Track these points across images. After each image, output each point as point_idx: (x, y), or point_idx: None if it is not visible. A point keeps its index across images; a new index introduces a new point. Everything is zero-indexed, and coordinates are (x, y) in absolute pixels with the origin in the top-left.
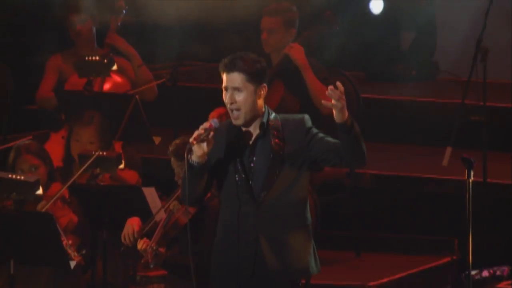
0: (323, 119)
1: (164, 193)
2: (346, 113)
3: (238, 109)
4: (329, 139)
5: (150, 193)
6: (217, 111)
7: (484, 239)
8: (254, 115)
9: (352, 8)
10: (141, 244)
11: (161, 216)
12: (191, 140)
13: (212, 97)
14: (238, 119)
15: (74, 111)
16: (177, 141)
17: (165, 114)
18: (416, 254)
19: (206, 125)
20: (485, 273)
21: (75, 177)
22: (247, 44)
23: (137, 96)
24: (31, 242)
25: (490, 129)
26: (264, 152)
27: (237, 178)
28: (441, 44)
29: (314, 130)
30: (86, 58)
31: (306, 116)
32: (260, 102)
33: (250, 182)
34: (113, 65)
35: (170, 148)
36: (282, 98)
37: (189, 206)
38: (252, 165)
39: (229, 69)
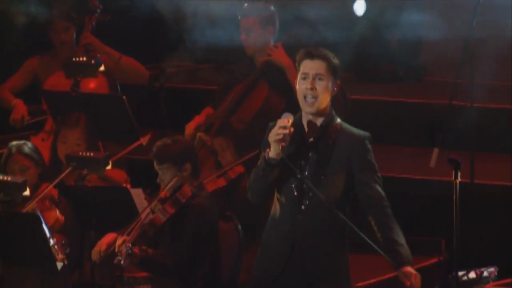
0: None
1: (152, 193)
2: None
3: (315, 97)
4: (377, 188)
5: (137, 194)
6: (195, 121)
7: (471, 240)
8: (325, 108)
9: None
10: (118, 244)
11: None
12: (274, 140)
13: (200, 99)
14: (312, 106)
15: (61, 112)
16: (159, 143)
17: (152, 115)
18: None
19: (284, 122)
20: (472, 274)
21: (61, 176)
22: (234, 46)
23: (124, 97)
24: (18, 243)
25: (477, 129)
26: (317, 156)
27: (292, 183)
28: (428, 45)
29: (366, 155)
30: (73, 59)
31: (368, 137)
32: (329, 98)
33: (298, 187)
34: (100, 65)
35: (152, 153)
36: (266, 98)
37: (257, 205)
38: (305, 169)
39: (313, 56)
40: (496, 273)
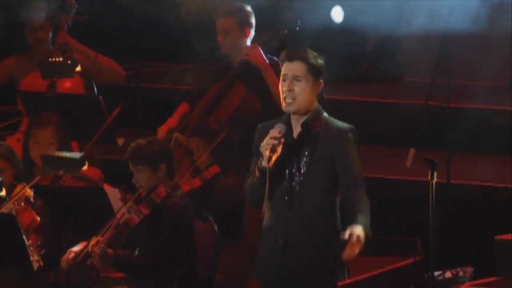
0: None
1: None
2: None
3: (293, 98)
4: (355, 171)
5: (114, 195)
6: (167, 124)
7: (447, 240)
8: (306, 107)
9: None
10: (92, 244)
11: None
12: (263, 150)
13: (175, 99)
14: (290, 106)
15: (38, 112)
16: (134, 144)
17: (128, 115)
18: (379, 255)
19: (275, 133)
20: (448, 274)
21: (36, 179)
22: (211, 46)
23: (100, 97)
24: None
25: (453, 130)
26: (304, 154)
27: (283, 182)
28: (405, 45)
29: (349, 148)
30: (50, 59)
31: (351, 129)
32: (313, 97)
33: (289, 185)
34: (76, 66)
35: (126, 154)
36: (243, 98)
37: (255, 210)
38: (294, 166)
39: (292, 58)
40: (471, 273)
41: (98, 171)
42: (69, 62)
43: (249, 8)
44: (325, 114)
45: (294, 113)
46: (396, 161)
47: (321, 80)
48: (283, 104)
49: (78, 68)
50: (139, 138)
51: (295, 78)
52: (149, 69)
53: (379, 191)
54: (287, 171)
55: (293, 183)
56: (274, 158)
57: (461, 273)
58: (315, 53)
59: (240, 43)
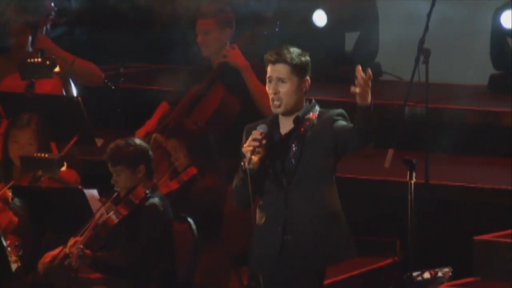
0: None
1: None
2: (369, 98)
3: (280, 100)
4: (351, 126)
5: (92, 196)
6: (145, 128)
7: (426, 241)
8: (295, 107)
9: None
10: (70, 245)
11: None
12: (245, 151)
13: (154, 99)
14: (279, 107)
15: (17, 113)
16: (112, 145)
17: (107, 116)
18: (358, 255)
19: (257, 135)
20: (427, 275)
21: (13, 181)
22: (190, 46)
23: (79, 98)
24: None
25: (432, 130)
26: (297, 147)
27: (273, 174)
28: (384, 45)
29: (342, 119)
30: (28, 60)
31: (339, 113)
32: (301, 95)
33: (279, 174)
34: (55, 66)
35: (105, 154)
36: (222, 99)
37: (243, 209)
38: (285, 159)
39: (275, 60)
40: (450, 274)
41: (74, 173)
42: (47, 63)
43: (229, 9)
44: (317, 107)
45: (283, 114)
46: (375, 162)
47: (307, 77)
48: (271, 107)
49: (57, 69)
50: (118, 139)
51: (280, 80)
52: (128, 70)
53: (357, 191)
54: (278, 166)
55: (287, 175)
56: (256, 159)
57: (439, 274)
58: (299, 51)
59: (219, 44)
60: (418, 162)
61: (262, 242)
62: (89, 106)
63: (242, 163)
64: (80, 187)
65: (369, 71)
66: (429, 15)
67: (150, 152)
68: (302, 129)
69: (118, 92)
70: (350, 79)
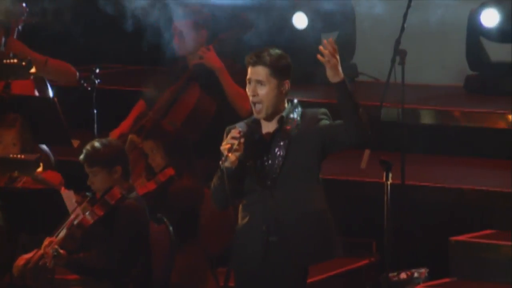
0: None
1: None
2: (341, 73)
3: (259, 102)
4: (338, 122)
5: (69, 196)
6: (120, 129)
7: (402, 241)
8: (275, 109)
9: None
10: (45, 245)
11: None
12: (223, 149)
13: (130, 100)
14: (260, 113)
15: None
16: (88, 146)
17: (83, 117)
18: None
19: (235, 133)
20: (403, 275)
21: None
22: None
23: (55, 99)
24: None
25: (408, 131)
26: (281, 147)
27: (254, 171)
28: (360, 46)
29: (326, 118)
30: (4, 61)
31: (322, 112)
32: (282, 97)
33: (263, 174)
34: (31, 67)
35: (81, 156)
36: (198, 100)
37: (222, 210)
38: (268, 158)
39: (254, 62)
40: (426, 274)
41: (59, 175)
42: (24, 64)
43: (205, 10)
44: (300, 108)
45: (265, 119)
46: (351, 162)
47: (287, 80)
48: (254, 112)
49: (33, 70)
50: (94, 140)
51: (258, 82)
52: (104, 70)
53: (334, 192)
54: (261, 165)
55: (272, 174)
56: (233, 158)
57: (416, 274)
58: (279, 53)
59: (196, 45)
60: (394, 163)
61: (246, 242)
62: (65, 107)
63: (221, 162)
64: (63, 188)
65: (331, 39)
66: (405, 16)
67: (126, 153)
68: (288, 127)
69: (94, 93)
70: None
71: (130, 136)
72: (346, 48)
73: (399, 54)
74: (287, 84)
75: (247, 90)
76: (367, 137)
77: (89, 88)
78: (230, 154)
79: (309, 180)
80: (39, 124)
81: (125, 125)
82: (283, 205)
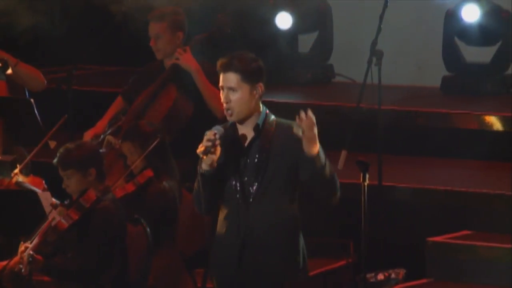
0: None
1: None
2: (317, 146)
3: (232, 109)
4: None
5: (46, 198)
6: (94, 129)
7: (380, 242)
8: (249, 113)
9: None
10: (21, 251)
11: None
12: (199, 152)
13: (107, 101)
14: (232, 116)
15: None
16: (62, 149)
17: (60, 118)
18: (312, 257)
19: (210, 135)
20: (380, 276)
21: None
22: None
23: (31, 99)
24: None
25: (385, 132)
26: (257, 155)
27: (233, 181)
28: (337, 47)
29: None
30: None
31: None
32: (256, 101)
33: (241, 184)
34: (7, 69)
35: (54, 159)
36: (174, 101)
37: (205, 215)
38: (246, 167)
39: (225, 69)
40: (404, 275)
41: (42, 181)
42: (0, 65)
43: (181, 12)
44: (273, 117)
45: (238, 122)
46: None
47: (261, 83)
48: (226, 115)
49: (9, 71)
50: (67, 143)
51: (230, 89)
52: (81, 71)
53: (311, 193)
54: (239, 176)
55: (247, 184)
56: (209, 160)
57: (393, 275)
58: (250, 57)
59: (172, 47)
60: (371, 164)
61: (221, 255)
62: (41, 108)
63: (198, 166)
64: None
65: (310, 113)
66: (381, 17)
67: (101, 155)
68: (266, 142)
69: (70, 94)
70: (301, 81)
71: (107, 137)
72: (324, 49)
73: (375, 55)
74: (260, 88)
75: (221, 96)
76: (336, 200)
77: (66, 89)
78: (205, 157)
79: (286, 195)
80: (15, 125)
81: (100, 125)
82: (258, 221)
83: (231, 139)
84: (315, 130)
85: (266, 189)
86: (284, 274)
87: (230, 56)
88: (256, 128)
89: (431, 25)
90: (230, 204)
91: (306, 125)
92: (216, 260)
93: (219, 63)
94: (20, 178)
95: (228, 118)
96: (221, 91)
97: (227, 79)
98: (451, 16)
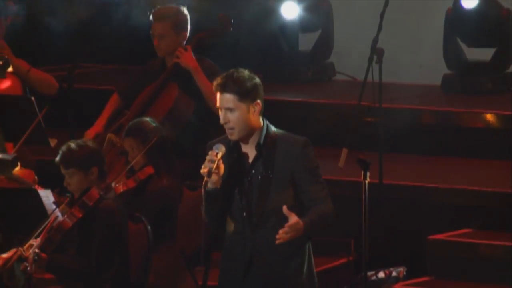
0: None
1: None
2: (301, 229)
3: (232, 128)
4: (316, 188)
5: (46, 196)
6: (94, 129)
7: (380, 240)
8: (249, 130)
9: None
10: (26, 250)
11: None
12: (202, 173)
13: (108, 99)
14: (232, 135)
15: None
16: (64, 148)
17: (61, 116)
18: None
19: (212, 156)
20: (381, 274)
21: None
22: (144, 47)
23: (33, 98)
24: None
25: (385, 130)
26: (260, 173)
27: (239, 202)
28: (338, 45)
29: (306, 161)
30: None
31: (305, 143)
32: (255, 118)
33: (246, 202)
34: (8, 67)
35: (56, 157)
36: (176, 99)
37: (217, 228)
38: (250, 186)
39: (221, 90)
40: (404, 273)
41: (32, 173)
42: (1, 63)
43: (185, 11)
44: (274, 129)
45: (241, 141)
46: (329, 162)
47: (258, 100)
48: (227, 133)
49: (10, 69)
50: (69, 141)
51: (228, 110)
52: (82, 70)
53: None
54: (241, 193)
55: (252, 204)
56: (215, 178)
57: (394, 273)
58: (245, 75)
59: (175, 47)
60: (372, 162)
61: (229, 268)
62: (42, 106)
63: (203, 183)
64: (37, 187)
65: (293, 220)
66: (382, 15)
67: (102, 154)
68: (268, 160)
69: (71, 92)
70: (302, 80)
71: (108, 135)
72: (324, 47)
73: (376, 53)
74: (258, 106)
75: (220, 116)
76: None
77: (67, 87)
78: (208, 178)
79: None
80: (17, 123)
81: (100, 124)
82: (263, 240)
83: (234, 158)
84: (294, 232)
85: (271, 207)
86: None
87: (225, 76)
88: (258, 147)
89: (431, 23)
90: (236, 220)
91: (283, 233)
92: (223, 272)
93: (215, 83)
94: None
95: (230, 137)
96: (219, 111)
97: (224, 99)
98: (452, 14)
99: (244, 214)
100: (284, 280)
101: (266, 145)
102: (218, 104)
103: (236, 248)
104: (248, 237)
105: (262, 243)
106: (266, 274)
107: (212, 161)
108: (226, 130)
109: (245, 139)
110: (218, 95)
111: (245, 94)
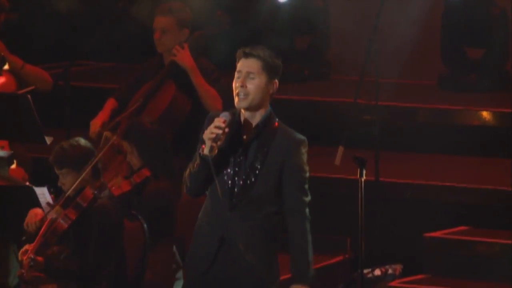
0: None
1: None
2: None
3: (246, 94)
4: (300, 197)
5: (43, 193)
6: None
7: (377, 238)
8: (258, 104)
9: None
10: (21, 255)
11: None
12: (206, 138)
13: (104, 97)
14: (243, 101)
15: None
16: (57, 148)
17: (57, 114)
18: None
19: (220, 122)
20: (377, 272)
21: None
22: (143, 44)
23: (28, 96)
24: None
25: (382, 128)
26: (253, 155)
27: (225, 177)
28: (334, 43)
29: (298, 161)
30: None
31: (303, 142)
32: (267, 96)
33: (232, 182)
34: (4, 64)
35: (51, 157)
36: (173, 97)
37: (191, 197)
38: (240, 166)
39: (248, 55)
40: (401, 271)
41: (22, 170)
42: None
43: (188, 9)
44: (276, 120)
45: (246, 109)
46: (325, 159)
47: (276, 80)
48: (235, 100)
49: (6, 67)
50: (63, 141)
51: (249, 75)
52: (78, 68)
53: (309, 189)
54: (230, 170)
55: (237, 184)
56: (214, 146)
57: (390, 271)
58: (272, 53)
59: (176, 43)
60: (368, 160)
61: (199, 247)
62: (38, 104)
63: (201, 150)
64: (27, 184)
65: None
66: (378, 13)
67: (95, 153)
68: (264, 145)
69: (67, 90)
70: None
71: (104, 133)
72: (321, 45)
73: (372, 51)
74: (275, 84)
75: (234, 82)
76: None
77: (63, 85)
78: (213, 144)
79: (273, 204)
80: (13, 121)
81: (105, 113)
82: (238, 223)
83: (233, 132)
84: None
85: (253, 193)
86: (255, 282)
87: (253, 45)
88: (257, 128)
89: (428, 21)
90: (216, 197)
91: None
92: (192, 251)
93: (242, 49)
94: None
95: (239, 103)
96: (235, 77)
97: (248, 64)
98: (449, 13)
99: (226, 191)
100: (249, 267)
101: (266, 130)
102: (238, 68)
103: (207, 229)
104: (223, 217)
105: (236, 226)
106: (233, 258)
107: (220, 127)
108: (237, 95)
109: (250, 112)
110: (241, 60)
111: (270, 65)
